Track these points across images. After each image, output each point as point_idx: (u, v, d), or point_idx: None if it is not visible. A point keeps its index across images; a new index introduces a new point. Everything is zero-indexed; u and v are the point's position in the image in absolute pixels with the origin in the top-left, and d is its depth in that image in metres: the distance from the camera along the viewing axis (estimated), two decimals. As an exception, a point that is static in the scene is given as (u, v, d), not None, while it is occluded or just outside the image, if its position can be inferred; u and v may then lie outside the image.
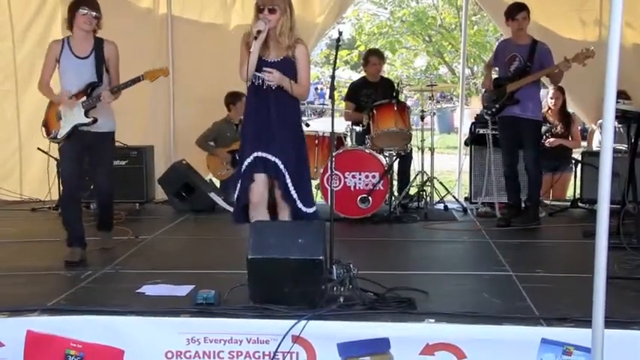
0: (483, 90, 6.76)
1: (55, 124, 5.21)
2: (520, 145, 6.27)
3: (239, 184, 4.46)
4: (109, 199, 5.44)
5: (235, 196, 4.53)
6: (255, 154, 4.37)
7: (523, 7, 6.15)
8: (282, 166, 4.36)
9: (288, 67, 4.38)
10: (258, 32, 4.26)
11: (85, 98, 5.12)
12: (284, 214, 4.48)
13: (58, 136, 5.17)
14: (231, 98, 7.52)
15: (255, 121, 4.42)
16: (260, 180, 4.39)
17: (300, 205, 4.42)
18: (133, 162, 7.37)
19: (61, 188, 5.44)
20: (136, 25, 7.66)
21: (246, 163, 4.40)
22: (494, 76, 6.58)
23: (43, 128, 5.33)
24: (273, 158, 4.36)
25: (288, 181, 4.37)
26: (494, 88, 6.34)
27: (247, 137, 4.48)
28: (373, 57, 7.61)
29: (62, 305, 3.90)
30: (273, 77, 4.33)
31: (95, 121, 5.13)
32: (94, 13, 5.07)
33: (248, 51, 4.32)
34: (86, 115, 5.10)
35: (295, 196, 4.40)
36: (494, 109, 6.32)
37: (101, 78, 5.17)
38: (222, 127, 7.58)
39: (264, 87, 4.37)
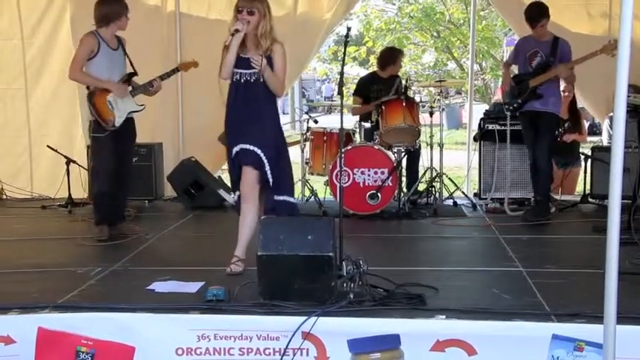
0: (499, 92, 6.78)
1: (109, 113, 5.49)
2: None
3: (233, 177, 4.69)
4: (130, 185, 5.87)
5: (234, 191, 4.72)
6: (239, 147, 4.51)
7: (545, 14, 6.15)
8: (262, 156, 4.49)
9: (270, 60, 4.54)
10: (236, 31, 4.44)
11: (130, 87, 5.59)
12: (246, 204, 4.57)
13: (116, 124, 5.53)
14: None
15: (236, 116, 4.58)
16: (249, 171, 4.52)
17: (275, 195, 4.56)
18: (142, 159, 7.38)
19: (102, 177, 5.64)
20: (144, 22, 7.65)
21: (232, 154, 4.56)
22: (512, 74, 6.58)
23: (99, 119, 5.50)
24: (252, 148, 4.49)
25: (268, 170, 4.50)
26: (515, 84, 6.34)
27: (231, 131, 4.62)
28: (401, 55, 7.68)
29: (73, 302, 3.92)
30: (258, 63, 4.45)
31: (144, 107, 5.68)
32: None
33: (225, 51, 4.53)
34: (135, 102, 5.64)
35: (272, 184, 4.53)
36: (515, 105, 6.32)
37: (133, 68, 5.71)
38: None
39: (243, 82, 4.54)
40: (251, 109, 4.54)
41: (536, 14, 6.18)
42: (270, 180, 4.51)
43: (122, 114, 5.55)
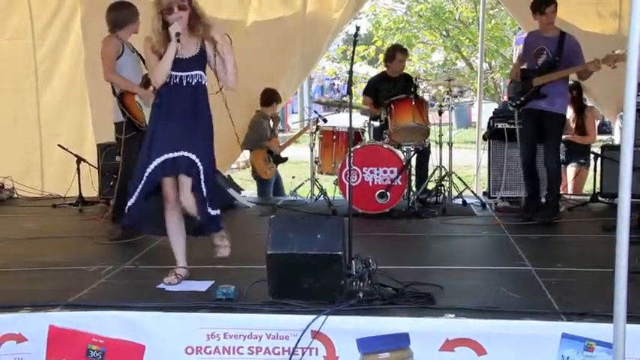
0: (509, 81, 6.72)
1: (141, 114, 5.58)
2: (540, 139, 6.23)
3: (140, 190, 4.20)
4: None
5: (135, 202, 4.21)
6: (166, 156, 4.15)
7: (552, 1, 6.09)
8: (198, 162, 4.19)
9: (203, 59, 4.28)
10: (178, 34, 4.10)
11: (151, 88, 5.49)
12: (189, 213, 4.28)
13: (147, 123, 5.52)
14: (275, 95, 7.78)
15: (171, 121, 4.22)
16: (171, 182, 4.23)
17: (208, 206, 4.26)
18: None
19: (128, 174, 5.56)
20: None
21: (154, 165, 4.16)
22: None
23: (134, 119, 5.57)
24: (187, 154, 4.16)
25: (202, 179, 4.21)
26: (521, 80, 6.29)
27: (161, 137, 4.21)
28: (399, 54, 7.61)
29: (84, 300, 3.94)
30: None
31: None
32: None
33: (156, 56, 4.20)
34: None
35: (205, 195, 4.22)
36: (518, 102, 6.27)
37: None
38: (264, 123, 7.78)
39: (184, 84, 4.22)
40: (192, 113, 4.24)
41: (543, 1, 6.08)
42: (205, 192, 4.21)
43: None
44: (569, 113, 7.92)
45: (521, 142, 6.43)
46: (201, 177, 4.20)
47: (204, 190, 4.21)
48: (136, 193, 4.22)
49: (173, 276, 4.28)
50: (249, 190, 8.25)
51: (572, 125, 7.83)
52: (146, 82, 5.69)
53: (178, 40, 4.13)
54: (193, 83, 4.25)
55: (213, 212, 4.32)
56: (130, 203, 4.25)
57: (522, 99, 6.22)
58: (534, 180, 6.34)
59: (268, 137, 7.90)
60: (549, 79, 6.04)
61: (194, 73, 4.24)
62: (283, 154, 8.11)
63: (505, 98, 7.36)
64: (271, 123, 8.05)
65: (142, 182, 4.19)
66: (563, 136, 7.53)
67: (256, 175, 8.01)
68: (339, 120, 7.74)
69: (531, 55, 6.27)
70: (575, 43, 6.11)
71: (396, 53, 7.59)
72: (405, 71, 7.88)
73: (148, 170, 4.18)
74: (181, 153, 4.17)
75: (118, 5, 5.65)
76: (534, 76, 6.12)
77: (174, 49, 4.14)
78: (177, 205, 4.27)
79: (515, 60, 7.13)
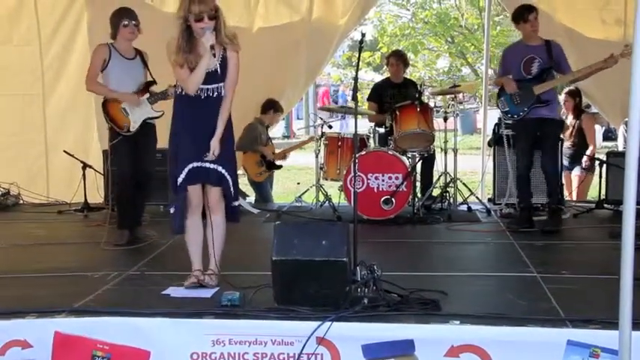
0: (497, 93, 6.61)
1: (123, 119, 5.62)
2: (538, 146, 6.17)
3: (179, 195, 4.34)
4: (149, 191, 5.92)
5: (175, 206, 4.38)
6: (192, 165, 4.24)
7: (533, 8, 6.10)
8: (225, 173, 4.28)
9: (224, 69, 4.25)
10: (212, 48, 4.09)
11: (147, 95, 5.65)
12: (216, 217, 4.37)
13: (131, 129, 5.64)
14: (275, 104, 7.88)
15: (195, 131, 4.26)
16: (195, 189, 4.31)
17: (235, 203, 4.42)
18: (157, 164, 7.40)
19: (121, 182, 5.77)
20: (161, 29, 7.68)
21: (184, 173, 4.26)
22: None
23: (114, 126, 5.63)
24: (214, 166, 4.26)
25: (231, 186, 4.31)
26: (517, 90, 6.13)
27: (186, 147, 4.28)
28: (392, 58, 7.70)
29: (89, 307, 3.95)
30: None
31: (163, 113, 5.61)
32: (134, 22, 5.58)
33: (179, 66, 4.17)
34: (152, 109, 5.68)
35: (234, 196, 4.37)
36: (521, 113, 6.08)
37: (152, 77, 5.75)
38: (258, 127, 7.79)
39: (204, 98, 4.22)
40: (211, 125, 4.23)
41: (525, 9, 6.09)
42: (233, 193, 4.34)
43: (138, 119, 5.63)
44: (569, 119, 7.98)
45: (519, 152, 6.34)
46: (230, 183, 4.30)
47: (232, 192, 4.34)
48: (176, 206, 4.35)
49: (194, 278, 4.30)
50: (254, 196, 8.26)
51: (568, 131, 7.86)
52: (144, 88, 5.69)
53: (214, 55, 4.13)
54: (214, 96, 4.24)
55: (235, 204, 4.44)
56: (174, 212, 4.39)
57: (526, 109, 6.06)
58: (529, 190, 6.27)
59: (263, 142, 7.89)
60: (552, 85, 6.02)
61: (215, 85, 4.23)
62: (279, 163, 8.14)
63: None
64: (267, 132, 8.09)
65: (178, 195, 4.31)
66: (567, 142, 7.57)
67: (248, 177, 8.05)
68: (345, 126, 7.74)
69: (519, 67, 6.12)
70: (560, 47, 6.11)
71: (389, 58, 7.75)
72: (410, 77, 7.91)
73: (179, 180, 4.27)
74: (210, 165, 4.25)
75: (112, 13, 5.66)
76: (532, 85, 6.00)
77: (207, 62, 4.12)
78: (198, 210, 4.36)
79: (494, 81, 6.90)
